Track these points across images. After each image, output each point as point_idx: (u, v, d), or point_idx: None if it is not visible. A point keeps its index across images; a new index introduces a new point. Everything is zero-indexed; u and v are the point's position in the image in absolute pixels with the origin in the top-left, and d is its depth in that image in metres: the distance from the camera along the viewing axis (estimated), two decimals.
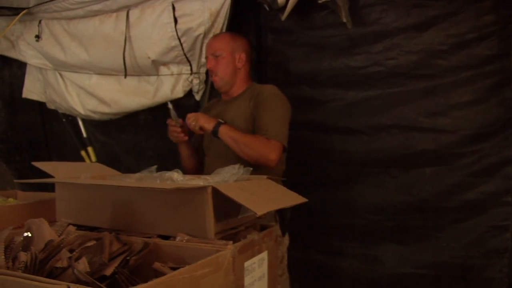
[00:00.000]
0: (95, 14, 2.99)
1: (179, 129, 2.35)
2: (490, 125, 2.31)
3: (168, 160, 3.03)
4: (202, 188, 1.31)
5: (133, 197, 1.45)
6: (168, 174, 1.56)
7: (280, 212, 2.20)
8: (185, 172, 2.31)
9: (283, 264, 2.24)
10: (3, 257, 1.08)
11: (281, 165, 2.31)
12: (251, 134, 2.20)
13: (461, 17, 2.31)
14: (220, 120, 2.20)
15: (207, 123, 2.19)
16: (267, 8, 2.47)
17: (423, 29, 2.38)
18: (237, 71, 2.42)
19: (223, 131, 2.16)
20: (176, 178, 1.54)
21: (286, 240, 2.28)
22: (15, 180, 3.31)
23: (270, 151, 2.13)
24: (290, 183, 1.99)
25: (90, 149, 3.52)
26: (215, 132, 2.17)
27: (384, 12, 2.44)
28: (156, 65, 2.95)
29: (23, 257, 1.07)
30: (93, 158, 3.50)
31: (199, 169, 2.51)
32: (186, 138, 2.40)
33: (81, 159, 3.49)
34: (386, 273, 2.54)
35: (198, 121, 2.20)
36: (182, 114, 3.05)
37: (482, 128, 2.32)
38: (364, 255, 2.57)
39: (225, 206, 1.36)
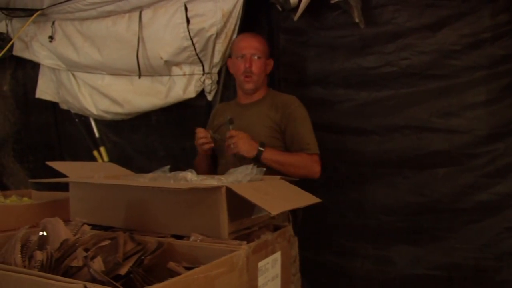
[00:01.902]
0: (108, 15, 3.01)
1: (209, 139, 2.32)
2: (504, 126, 2.29)
3: (180, 160, 3.04)
4: (216, 188, 1.31)
5: (147, 197, 1.46)
6: (182, 174, 1.57)
7: (294, 212, 2.21)
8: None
9: (296, 263, 2.24)
10: (19, 255, 1.09)
11: None
12: (293, 153, 2.26)
13: (474, 16, 2.29)
14: (260, 148, 2.18)
15: (248, 152, 2.17)
16: (280, 9, 2.48)
17: (436, 29, 2.36)
18: (265, 77, 2.46)
19: (267, 157, 2.18)
20: (190, 178, 1.55)
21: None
22: (30, 180, 3.34)
23: (316, 165, 2.25)
24: (302, 183, 1.99)
25: (102, 149, 3.53)
26: (257, 159, 2.16)
27: (397, 12, 2.42)
28: (168, 66, 2.96)
29: (39, 256, 1.08)
30: (105, 158, 3.51)
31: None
32: (210, 152, 2.40)
33: (94, 159, 3.51)
34: (398, 274, 2.52)
35: (238, 146, 2.17)
36: (192, 114, 3.08)
37: (496, 128, 2.30)
38: (376, 256, 2.56)
39: (239, 206, 1.36)
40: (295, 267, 2.22)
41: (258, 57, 2.38)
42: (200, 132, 2.33)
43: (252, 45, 2.40)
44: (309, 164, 2.24)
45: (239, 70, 2.41)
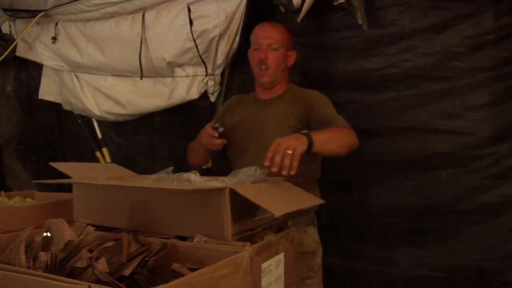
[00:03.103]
0: (111, 16, 3.01)
1: (216, 134, 2.14)
2: (507, 128, 2.28)
3: (183, 161, 3.02)
4: (220, 190, 1.31)
5: (150, 198, 1.46)
6: (185, 175, 1.57)
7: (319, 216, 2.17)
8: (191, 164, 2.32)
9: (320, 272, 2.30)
10: (24, 256, 1.09)
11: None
12: (329, 128, 2.01)
13: (478, 18, 2.29)
14: (305, 134, 1.80)
15: (302, 144, 1.73)
16: (283, 10, 2.48)
17: (439, 31, 2.36)
18: (285, 70, 2.34)
19: (316, 139, 1.79)
20: (194, 179, 1.55)
21: None
22: (34, 181, 3.34)
23: (353, 132, 2.07)
24: None
25: (105, 150, 3.54)
26: (310, 146, 1.77)
27: (400, 14, 2.42)
28: (171, 67, 2.96)
29: (44, 256, 1.08)
30: (108, 159, 3.52)
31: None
32: (220, 148, 2.21)
33: (96, 160, 3.51)
34: (402, 275, 2.52)
35: (292, 146, 1.65)
36: (195, 115, 3.08)
37: (500, 130, 2.30)
38: (380, 257, 2.56)
39: (243, 208, 1.36)
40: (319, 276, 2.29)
41: (275, 48, 2.24)
42: (211, 131, 2.13)
43: (268, 35, 2.26)
44: (348, 131, 2.03)
45: (254, 61, 2.29)
